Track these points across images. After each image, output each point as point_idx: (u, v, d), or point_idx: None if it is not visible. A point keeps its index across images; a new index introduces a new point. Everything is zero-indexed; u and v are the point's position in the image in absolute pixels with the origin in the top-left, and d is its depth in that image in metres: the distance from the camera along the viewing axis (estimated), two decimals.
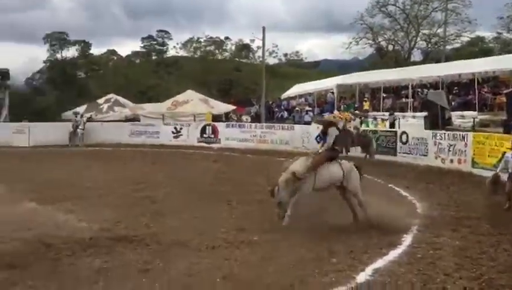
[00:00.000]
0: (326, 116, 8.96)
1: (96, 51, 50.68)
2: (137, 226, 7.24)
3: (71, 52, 49.45)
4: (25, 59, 75.85)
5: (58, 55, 49.45)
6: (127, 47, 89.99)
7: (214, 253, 5.99)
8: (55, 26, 61.61)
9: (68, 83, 45.21)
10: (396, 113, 22.01)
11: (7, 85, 27.99)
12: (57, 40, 49.37)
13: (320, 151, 7.77)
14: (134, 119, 27.87)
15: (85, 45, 49.31)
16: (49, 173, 13.39)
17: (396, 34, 42.28)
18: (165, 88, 41.09)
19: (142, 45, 53.59)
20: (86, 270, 5.23)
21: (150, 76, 46.84)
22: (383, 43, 43.68)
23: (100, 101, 30.16)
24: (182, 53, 52.94)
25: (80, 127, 24.47)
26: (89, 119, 26.19)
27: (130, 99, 32.11)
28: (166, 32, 53.26)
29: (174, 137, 25.10)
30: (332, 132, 7.76)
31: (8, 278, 4.85)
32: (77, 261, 5.54)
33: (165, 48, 53.58)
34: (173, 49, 52.92)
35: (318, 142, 9.01)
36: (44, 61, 49.07)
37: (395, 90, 25.45)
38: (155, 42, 53.49)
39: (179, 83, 40.15)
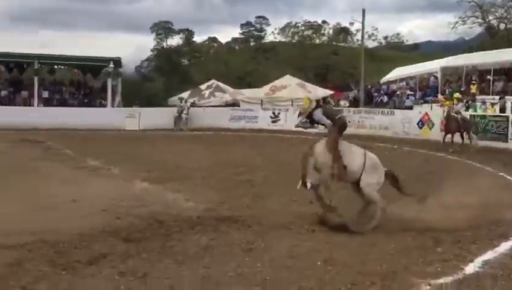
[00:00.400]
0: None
1: (198, 38, 52.74)
2: (240, 208, 7.51)
3: (175, 41, 51.92)
4: (134, 48, 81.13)
5: (164, 44, 52.17)
6: (226, 34, 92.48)
7: (314, 236, 6.06)
8: (161, 16, 65.01)
9: (173, 70, 47.60)
10: (507, 97, 20.39)
11: (120, 73, 30.10)
12: (163, 29, 52.03)
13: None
14: (234, 104, 28.69)
15: (188, 33, 51.48)
16: (157, 155, 14.34)
17: (509, 11, 38.79)
18: (263, 74, 41.68)
19: (241, 32, 54.78)
20: (194, 247, 5.54)
21: (249, 62, 47.80)
22: (494, 22, 40.33)
23: (202, 87, 31.40)
24: (280, 38, 53.25)
25: (184, 112, 25.78)
26: (192, 105, 27.44)
27: (229, 85, 33.10)
28: (265, 18, 53.90)
29: (272, 122, 25.50)
30: (317, 112, 6.86)
31: (126, 251, 5.30)
32: (185, 238, 5.89)
33: (263, 33, 54.27)
34: (271, 35, 53.43)
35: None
36: (151, 50, 52.08)
37: (507, 72, 23.49)
38: (253, 28, 54.36)
39: (276, 69, 40.47)
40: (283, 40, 53.02)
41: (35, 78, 26.89)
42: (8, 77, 28.88)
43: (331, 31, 51.96)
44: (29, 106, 26.55)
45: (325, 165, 6.44)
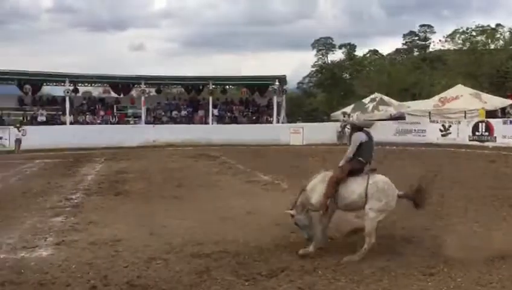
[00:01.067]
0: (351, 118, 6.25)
1: (359, 52, 52.18)
2: (415, 228, 7.09)
3: (337, 56, 52.11)
4: (296, 65, 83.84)
5: (326, 59, 52.74)
6: (386, 45, 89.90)
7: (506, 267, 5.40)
8: (321, 33, 66.10)
9: (335, 84, 47.80)
10: None
11: (284, 90, 31.28)
12: (324, 45, 52.68)
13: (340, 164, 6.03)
14: (399, 117, 27.59)
15: (350, 48, 51.19)
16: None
17: None
18: (429, 84, 39.35)
19: (403, 42, 52.69)
20: (369, 267, 5.37)
21: (412, 72, 45.59)
22: None
23: (365, 100, 30.85)
24: (448, 46, 49.74)
25: (347, 126, 25.59)
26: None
27: (392, 97, 31.95)
28: (429, 26, 51.04)
29: (442, 135, 23.87)
30: (356, 137, 6.02)
31: (302, 267, 5.34)
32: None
33: (427, 42, 51.41)
34: (439, 43, 50.25)
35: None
36: (312, 66, 53.04)
37: None
38: (417, 38, 51.87)
39: (443, 78, 37.89)
40: (451, 47, 49.42)
41: (210, 98, 29.38)
42: (187, 98, 32.16)
43: (507, 35, 46.78)
44: (205, 123, 29.10)
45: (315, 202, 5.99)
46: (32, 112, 27.72)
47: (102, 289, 4.75)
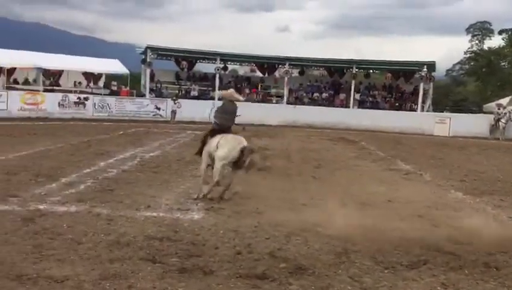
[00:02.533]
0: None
1: None
2: None
3: (495, 42, 47.34)
4: (445, 51, 78.16)
5: (480, 46, 48.27)
6: None
7: None
8: (478, 16, 60.48)
9: (491, 73, 43.64)
10: None
11: (432, 77, 29.50)
12: (480, 30, 48.19)
13: None
14: None
15: None
16: (471, 164, 13.47)
17: None
18: None
19: None
20: None
21: None
22: None
23: None
24: None
25: (502, 120, 23.39)
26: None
27: None
28: None
29: None
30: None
31: (447, 263, 5.09)
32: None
33: None
34: None
35: None
36: (465, 52, 48.94)
37: None
38: None
39: None
40: None
41: (352, 82, 28.92)
42: (329, 80, 32.06)
43: None
44: (346, 107, 28.79)
45: None
46: (186, 87, 30.12)
47: (246, 256, 5.08)
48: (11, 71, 26.55)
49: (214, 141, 7.50)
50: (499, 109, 24.87)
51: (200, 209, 6.89)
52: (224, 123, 7.76)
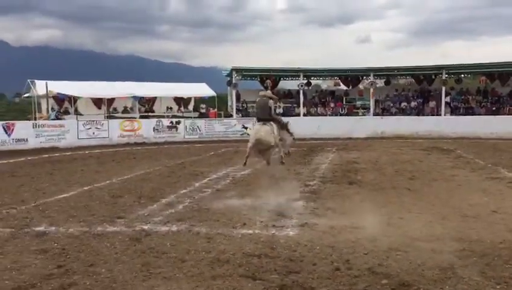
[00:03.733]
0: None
1: None
2: None
3: None
4: None
5: None
6: None
7: None
8: None
9: None
10: None
11: None
12: None
13: None
14: None
15: None
16: None
17: None
18: None
19: None
20: None
21: None
22: None
23: None
24: None
25: None
26: None
27: None
28: None
29: None
30: None
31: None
32: None
33: None
34: None
35: None
36: None
37: None
38: None
39: None
40: None
41: (443, 88, 27.62)
42: (417, 88, 30.89)
43: None
44: (437, 115, 27.52)
45: None
46: None
47: (345, 272, 5.02)
48: (110, 101, 28.75)
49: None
50: None
51: (295, 226, 6.93)
52: (258, 115, 9.74)
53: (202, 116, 29.28)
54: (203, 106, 31.04)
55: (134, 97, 28.49)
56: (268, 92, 10.08)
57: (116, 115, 28.15)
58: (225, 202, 8.71)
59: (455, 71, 29.41)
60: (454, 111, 27.97)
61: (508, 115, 26.44)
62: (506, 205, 8.03)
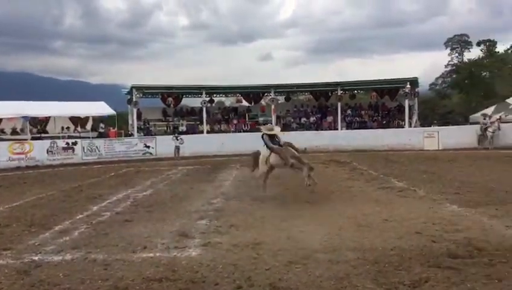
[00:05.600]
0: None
1: (500, 48, 47.85)
2: None
3: (474, 54, 48.37)
4: (426, 66, 79.50)
5: (460, 58, 49.29)
6: None
7: None
8: (455, 30, 62.01)
9: (473, 84, 44.42)
10: None
11: (416, 92, 29.87)
12: (458, 43, 49.30)
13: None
14: None
15: (490, 44, 47.23)
16: (463, 176, 13.51)
17: None
18: None
19: None
20: None
21: None
22: None
23: (510, 100, 28.23)
24: None
25: (489, 129, 23.70)
26: (500, 120, 25.01)
27: None
28: None
29: None
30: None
31: (448, 278, 5.09)
32: None
33: None
34: None
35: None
36: (445, 66, 49.87)
37: None
38: None
39: None
40: None
41: (339, 104, 29.20)
42: (315, 104, 32.35)
43: None
44: (334, 129, 28.98)
45: None
46: (173, 123, 30.16)
47: (247, 289, 5.01)
48: None
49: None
50: (484, 118, 25.19)
51: (197, 246, 6.81)
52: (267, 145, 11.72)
53: (101, 136, 28.10)
54: (102, 125, 29.81)
55: (25, 117, 26.59)
56: (268, 129, 12.56)
57: (3, 137, 26.02)
58: (125, 225, 8.36)
59: (349, 87, 31.30)
60: (349, 125, 29.64)
61: (397, 128, 28.56)
62: (396, 213, 8.56)
